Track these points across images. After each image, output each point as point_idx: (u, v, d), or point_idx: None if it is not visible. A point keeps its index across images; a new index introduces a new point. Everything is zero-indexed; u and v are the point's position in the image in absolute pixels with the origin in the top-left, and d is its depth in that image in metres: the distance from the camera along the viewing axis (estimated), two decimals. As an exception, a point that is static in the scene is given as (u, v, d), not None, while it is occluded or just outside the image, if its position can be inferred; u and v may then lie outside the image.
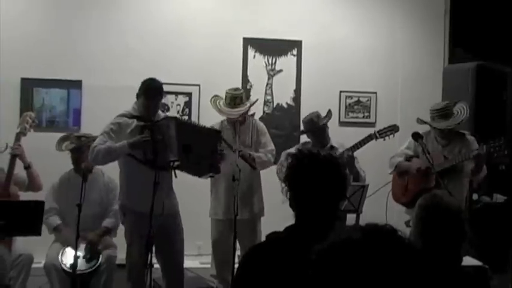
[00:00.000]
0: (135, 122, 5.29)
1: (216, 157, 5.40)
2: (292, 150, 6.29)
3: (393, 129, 5.95)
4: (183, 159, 5.23)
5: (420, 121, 5.94)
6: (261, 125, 6.31)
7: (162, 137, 5.15)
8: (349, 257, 1.52)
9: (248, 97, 6.44)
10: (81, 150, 5.89)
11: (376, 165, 6.06)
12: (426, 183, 5.73)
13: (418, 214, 3.00)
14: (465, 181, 5.82)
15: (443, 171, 5.55)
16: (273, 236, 2.63)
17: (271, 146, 6.20)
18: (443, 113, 5.83)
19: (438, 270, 2.67)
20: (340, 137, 6.34)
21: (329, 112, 6.26)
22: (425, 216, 2.96)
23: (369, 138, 5.94)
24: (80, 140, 5.94)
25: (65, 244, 5.72)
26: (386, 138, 5.97)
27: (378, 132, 5.95)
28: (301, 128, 6.45)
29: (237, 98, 6.08)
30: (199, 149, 5.26)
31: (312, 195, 2.58)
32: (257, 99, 6.55)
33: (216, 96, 6.17)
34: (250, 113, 6.41)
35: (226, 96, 6.09)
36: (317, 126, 6.12)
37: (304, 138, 6.59)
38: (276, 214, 5.91)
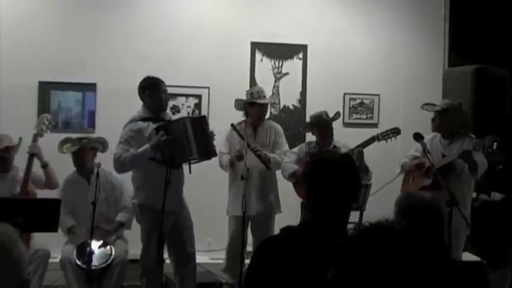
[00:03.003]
0: (150, 125, 5.31)
1: (212, 140, 5.43)
2: (296, 149, 6.33)
3: (395, 132, 5.97)
4: (201, 153, 5.26)
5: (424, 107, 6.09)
6: (278, 127, 6.41)
7: (179, 136, 5.17)
8: (390, 242, 1.55)
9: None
10: (83, 152, 5.91)
11: (378, 165, 6.06)
12: (425, 182, 5.77)
13: (398, 216, 3.06)
14: (466, 180, 5.81)
15: (445, 170, 5.54)
16: (287, 230, 2.65)
17: (286, 147, 6.28)
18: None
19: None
20: (344, 138, 6.35)
21: (337, 113, 6.31)
22: (405, 216, 3.02)
23: (372, 140, 5.95)
24: (81, 141, 5.95)
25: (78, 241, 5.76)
26: (389, 140, 5.99)
27: (380, 134, 5.97)
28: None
29: (262, 91, 6.26)
30: (202, 137, 5.29)
31: (328, 193, 2.59)
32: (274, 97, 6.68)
33: (237, 99, 6.24)
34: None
35: (252, 93, 6.23)
36: (325, 121, 6.14)
37: (308, 138, 6.61)
38: (291, 212, 5.97)
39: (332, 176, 2.60)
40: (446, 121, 5.90)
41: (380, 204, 5.98)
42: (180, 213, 5.47)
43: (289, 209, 6.02)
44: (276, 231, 5.39)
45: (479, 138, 5.63)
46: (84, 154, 5.91)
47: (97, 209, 5.35)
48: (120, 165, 5.28)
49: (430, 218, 3.00)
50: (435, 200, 3.15)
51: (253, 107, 6.16)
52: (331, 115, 6.25)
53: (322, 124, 6.19)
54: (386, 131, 5.99)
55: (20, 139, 5.84)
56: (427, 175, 5.80)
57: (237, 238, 5.92)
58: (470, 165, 5.56)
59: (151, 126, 5.30)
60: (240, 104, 6.22)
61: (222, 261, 6.32)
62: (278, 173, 6.23)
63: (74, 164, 5.98)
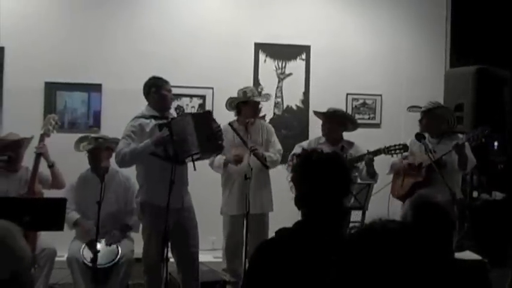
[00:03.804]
0: (152, 122, 5.34)
1: (219, 135, 5.43)
2: (305, 143, 6.33)
3: (403, 148, 5.91)
4: (203, 148, 5.28)
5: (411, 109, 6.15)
6: (269, 126, 6.42)
7: (181, 132, 5.20)
8: (386, 242, 1.56)
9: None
10: (98, 151, 5.95)
11: (380, 165, 6.07)
12: (417, 177, 5.81)
13: (409, 214, 3.06)
14: (454, 177, 5.87)
15: (436, 167, 5.59)
16: (282, 232, 2.66)
17: (279, 146, 6.27)
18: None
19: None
20: (346, 137, 6.34)
21: (355, 122, 6.32)
22: (415, 215, 3.02)
23: (378, 152, 5.94)
24: (97, 141, 5.99)
25: (86, 237, 5.77)
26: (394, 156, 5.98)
27: (387, 148, 5.92)
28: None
29: (253, 90, 6.27)
30: (206, 132, 5.31)
31: (317, 191, 2.60)
32: (269, 94, 6.67)
33: (230, 98, 6.22)
34: (261, 114, 6.45)
35: (245, 91, 6.20)
36: (338, 115, 6.14)
37: (317, 133, 6.57)
38: (285, 210, 5.98)
39: (320, 175, 2.61)
40: (432, 121, 5.98)
41: (382, 203, 6.03)
42: (184, 213, 5.49)
43: (289, 208, 6.02)
44: (272, 228, 5.43)
45: (471, 129, 5.71)
46: (99, 153, 5.94)
47: (106, 209, 5.38)
48: (121, 159, 5.31)
49: (437, 218, 3.01)
50: (444, 202, 3.16)
51: (246, 105, 6.15)
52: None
53: (335, 115, 6.20)
54: (395, 145, 5.94)
55: (32, 137, 5.87)
56: (419, 172, 5.85)
57: (234, 238, 5.98)
58: (461, 158, 5.64)
59: (153, 122, 5.33)
60: (233, 103, 6.22)
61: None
62: (271, 172, 6.24)
63: (89, 162, 6.02)
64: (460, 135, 5.99)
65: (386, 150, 5.91)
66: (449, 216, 3.04)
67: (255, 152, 5.89)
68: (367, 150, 5.90)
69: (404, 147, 5.92)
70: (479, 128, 5.58)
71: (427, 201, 3.07)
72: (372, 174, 5.93)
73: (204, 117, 5.47)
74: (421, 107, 6.08)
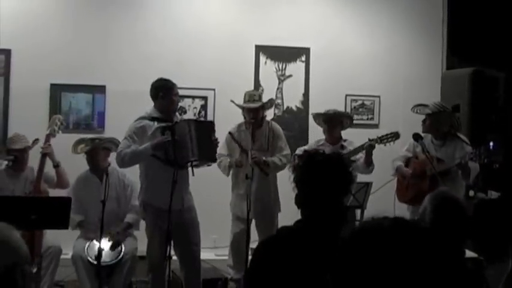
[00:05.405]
0: (155, 124, 5.34)
1: (215, 146, 5.49)
2: (306, 147, 6.32)
3: (394, 136, 5.90)
4: (201, 156, 5.30)
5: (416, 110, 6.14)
6: (277, 128, 6.30)
7: (183, 137, 5.20)
8: (379, 241, 1.55)
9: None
10: (95, 152, 5.96)
11: (378, 164, 6.08)
12: (421, 186, 5.76)
13: (429, 207, 3.05)
14: (458, 183, 5.86)
15: (439, 174, 5.58)
16: (283, 230, 2.67)
17: (287, 150, 6.18)
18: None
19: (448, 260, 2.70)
20: (345, 138, 6.35)
21: (350, 117, 6.34)
22: (435, 210, 3.01)
23: (375, 141, 5.91)
24: (94, 142, 6.00)
25: (90, 238, 5.80)
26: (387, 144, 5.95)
27: (379, 137, 5.89)
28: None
29: (255, 95, 6.17)
30: (205, 141, 5.33)
31: (319, 192, 2.62)
32: (272, 98, 6.65)
33: (233, 101, 6.23)
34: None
35: (245, 95, 6.16)
36: (331, 116, 6.16)
37: (311, 138, 6.59)
38: (292, 210, 5.98)
39: (323, 176, 2.63)
40: (436, 123, 5.94)
41: (381, 202, 6.04)
42: (185, 213, 5.49)
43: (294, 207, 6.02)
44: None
45: (473, 145, 5.70)
46: (96, 154, 5.96)
47: (107, 207, 5.38)
48: (121, 160, 5.33)
49: (456, 214, 3.01)
50: (466, 203, 3.18)
51: (244, 109, 6.15)
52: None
53: (329, 119, 6.19)
54: (386, 134, 5.93)
55: (38, 140, 5.88)
56: (423, 181, 5.81)
57: (239, 237, 5.98)
58: (464, 172, 5.65)
59: (156, 125, 5.33)
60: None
61: (227, 257, 6.35)
62: (280, 172, 6.23)
63: (88, 163, 6.03)
64: (462, 136, 5.96)
65: (379, 140, 5.89)
66: (467, 214, 3.05)
67: (254, 160, 5.87)
68: (368, 138, 5.88)
69: (396, 135, 5.90)
70: (481, 148, 5.58)
71: (448, 197, 3.07)
72: (369, 163, 5.90)
73: (205, 126, 5.51)
74: (427, 105, 6.04)
